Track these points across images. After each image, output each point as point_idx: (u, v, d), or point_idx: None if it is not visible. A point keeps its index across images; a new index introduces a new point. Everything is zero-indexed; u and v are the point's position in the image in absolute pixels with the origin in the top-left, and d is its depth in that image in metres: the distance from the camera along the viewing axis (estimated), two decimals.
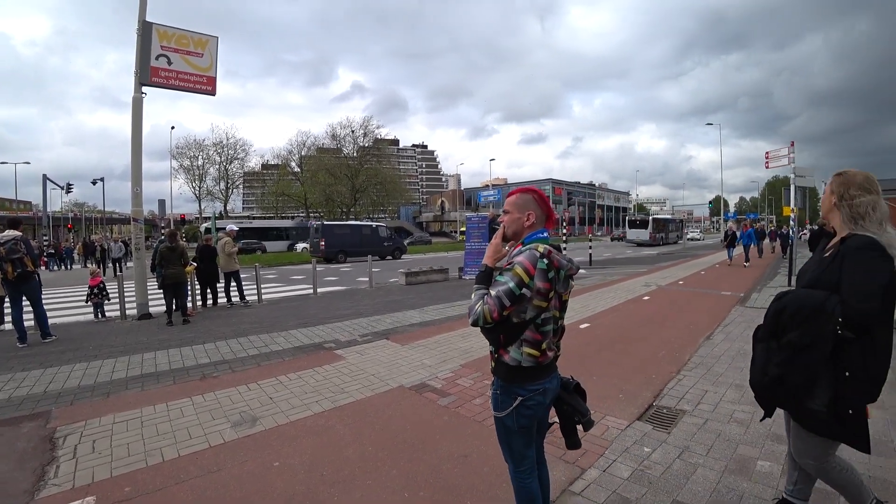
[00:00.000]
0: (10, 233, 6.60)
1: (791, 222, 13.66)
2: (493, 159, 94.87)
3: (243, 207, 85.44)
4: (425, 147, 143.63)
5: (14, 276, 6.43)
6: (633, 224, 42.39)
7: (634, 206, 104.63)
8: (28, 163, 56.45)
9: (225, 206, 54.83)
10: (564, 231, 20.23)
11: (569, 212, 22.85)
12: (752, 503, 2.50)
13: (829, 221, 2.10)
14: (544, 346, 1.90)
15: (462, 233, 53.13)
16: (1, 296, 7.65)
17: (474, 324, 1.87)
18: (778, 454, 3.00)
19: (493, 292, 1.83)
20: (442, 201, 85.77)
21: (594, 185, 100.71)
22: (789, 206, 13.23)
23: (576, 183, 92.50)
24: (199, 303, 9.84)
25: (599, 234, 72.53)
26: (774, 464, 2.88)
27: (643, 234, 39.61)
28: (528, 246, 1.90)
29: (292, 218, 54.42)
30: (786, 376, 1.94)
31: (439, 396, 4.17)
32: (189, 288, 8.87)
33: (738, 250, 18.30)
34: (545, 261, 1.84)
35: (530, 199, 2.00)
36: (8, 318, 7.72)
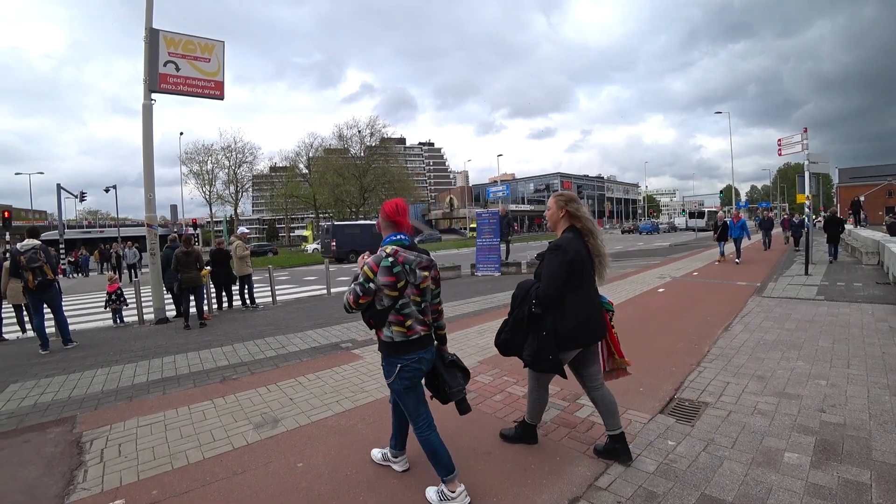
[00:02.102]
0: (30, 242, 6.72)
1: (806, 209, 13.47)
2: (500, 155, 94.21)
3: (253, 210, 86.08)
4: (432, 145, 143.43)
5: (35, 284, 6.55)
6: (692, 215, 52.76)
7: (644, 197, 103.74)
8: (42, 173, 57.74)
9: (235, 210, 55.23)
10: None
11: None
12: (781, 496, 2.46)
13: (556, 231, 2.94)
14: (408, 323, 2.42)
15: (472, 229, 53.25)
16: (23, 304, 7.80)
17: (345, 309, 2.44)
18: (805, 446, 2.96)
19: (352, 286, 2.40)
20: (451, 198, 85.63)
21: (602, 177, 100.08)
22: (803, 193, 13.05)
23: (584, 176, 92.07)
24: (215, 306, 9.93)
25: (608, 226, 72.01)
26: (803, 455, 2.84)
27: (700, 223, 48.69)
28: (381, 248, 2.45)
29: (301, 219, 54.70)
30: (511, 340, 2.87)
31: None
32: (205, 291, 8.95)
33: (744, 243, 17.61)
34: (390, 259, 2.37)
35: (381, 211, 2.57)
36: (29, 326, 7.88)
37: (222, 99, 10.07)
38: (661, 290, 9.66)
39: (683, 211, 60.28)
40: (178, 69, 9.41)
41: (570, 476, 2.76)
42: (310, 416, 3.84)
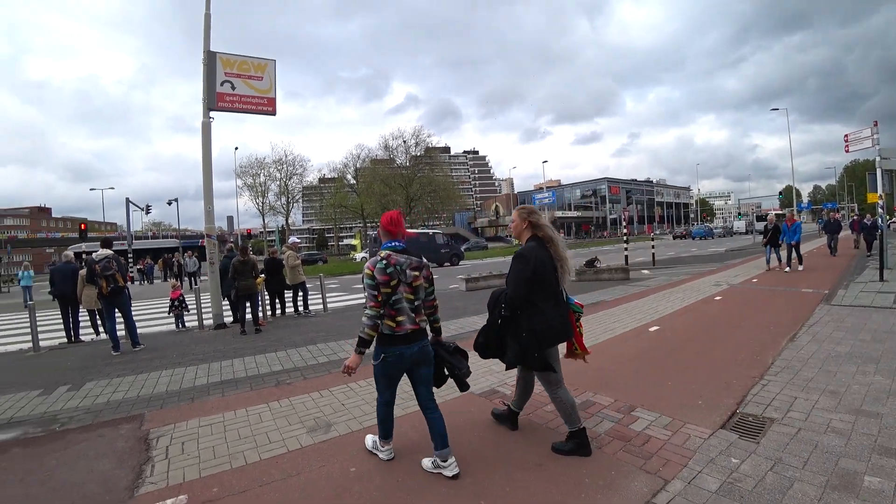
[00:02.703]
0: (104, 252, 7.24)
1: (879, 210, 12.51)
2: (545, 161, 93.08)
3: (303, 220, 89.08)
4: (476, 153, 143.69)
5: (108, 290, 7.04)
6: (759, 218, 50.11)
7: (696, 201, 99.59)
8: (113, 188, 64.17)
9: (286, 220, 57.32)
10: (624, 231, 19.55)
11: (628, 211, 21.93)
12: None
13: (521, 240, 3.23)
14: (399, 319, 2.84)
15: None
16: (97, 309, 8.39)
17: (374, 327, 2.81)
18: (889, 469, 2.72)
19: (364, 294, 2.86)
20: (496, 206, 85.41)
21: (651, 181, 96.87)
22: (875, 192, 12.13)
23: (632, 181, 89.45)
24: (269, 312, 10.31)
25: (658, 231, 69.41)
26: (885, 480, 2.61)
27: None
28: (378, 253, 2.94)
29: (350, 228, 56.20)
30: (487, 343, 3.22)
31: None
32: (260, 299, 9.31)
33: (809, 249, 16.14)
34: (384, 262, 2.83)
35: (380, 222, 3.10)
36: (102, 329, 8.48)
37: (274, 114, 10.51)
38: (717, 297, 9.21)
39: (740, 214, 57.21)
40: (233, 88, 9.90)
41: (625, 492, 2.67)
42: (361, 421, 3.90)
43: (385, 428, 3.14)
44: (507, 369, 3.23)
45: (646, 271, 15.67)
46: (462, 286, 13.40)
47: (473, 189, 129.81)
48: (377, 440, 3.23)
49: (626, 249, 17.43)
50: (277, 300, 10.47)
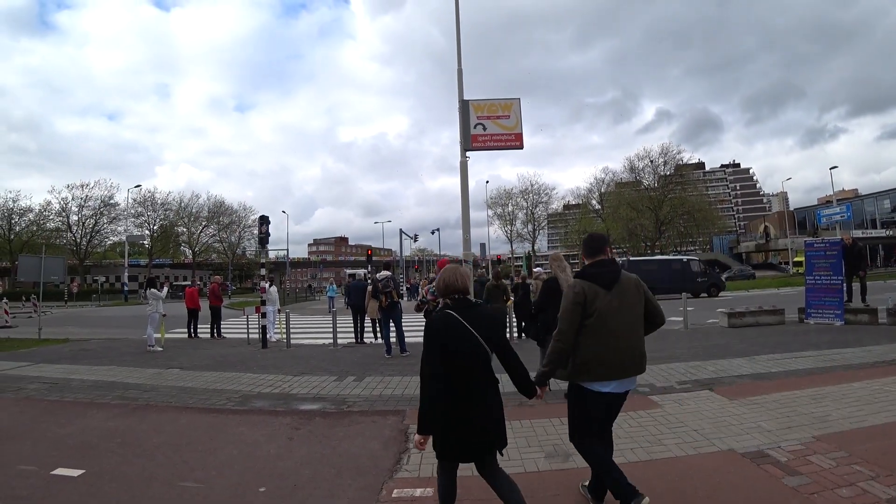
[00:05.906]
0: (384, 273, 9.02)
1: None
2: (834, 167, 72.18)
3: (548, 246, 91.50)
4: (738, 165, 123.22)
5: (386, 303, 8.61)
6: None
7: None
8: (390, 221, 78.47)
9: (532, 246, 59.91)
10: None
11: None
12: None
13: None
14: None
15: (796, 263, 42.86)
16: (378, 319, 10.31)
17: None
18: None
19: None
20: (765, 226, 71.76)
21: None
22: None
23: None
24: (515, 334, 10.86)
25: None
26: None
27: None
28: None
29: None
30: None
31: (784, 474, 3.31)
32: (507, 320, 9.97)
33: None
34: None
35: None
36: (380, 335, 10.32)
37: (521, 148, 11.35)
38: None
39: None
40: (485, 129, 11.07)
41: None
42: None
43: None
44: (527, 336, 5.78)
45: None
46: (723, 321, 11.51)
47: (735, 208, 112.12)
48: None
49: None
50: (523, 322, 10.97)
